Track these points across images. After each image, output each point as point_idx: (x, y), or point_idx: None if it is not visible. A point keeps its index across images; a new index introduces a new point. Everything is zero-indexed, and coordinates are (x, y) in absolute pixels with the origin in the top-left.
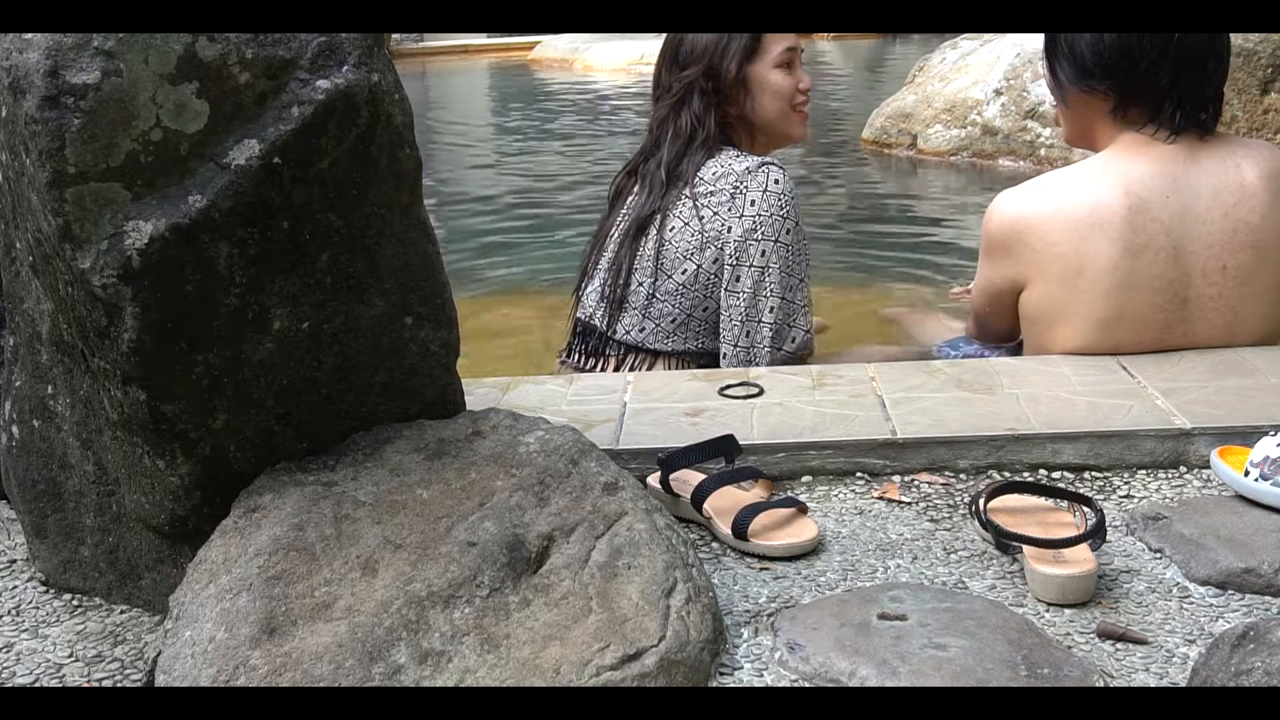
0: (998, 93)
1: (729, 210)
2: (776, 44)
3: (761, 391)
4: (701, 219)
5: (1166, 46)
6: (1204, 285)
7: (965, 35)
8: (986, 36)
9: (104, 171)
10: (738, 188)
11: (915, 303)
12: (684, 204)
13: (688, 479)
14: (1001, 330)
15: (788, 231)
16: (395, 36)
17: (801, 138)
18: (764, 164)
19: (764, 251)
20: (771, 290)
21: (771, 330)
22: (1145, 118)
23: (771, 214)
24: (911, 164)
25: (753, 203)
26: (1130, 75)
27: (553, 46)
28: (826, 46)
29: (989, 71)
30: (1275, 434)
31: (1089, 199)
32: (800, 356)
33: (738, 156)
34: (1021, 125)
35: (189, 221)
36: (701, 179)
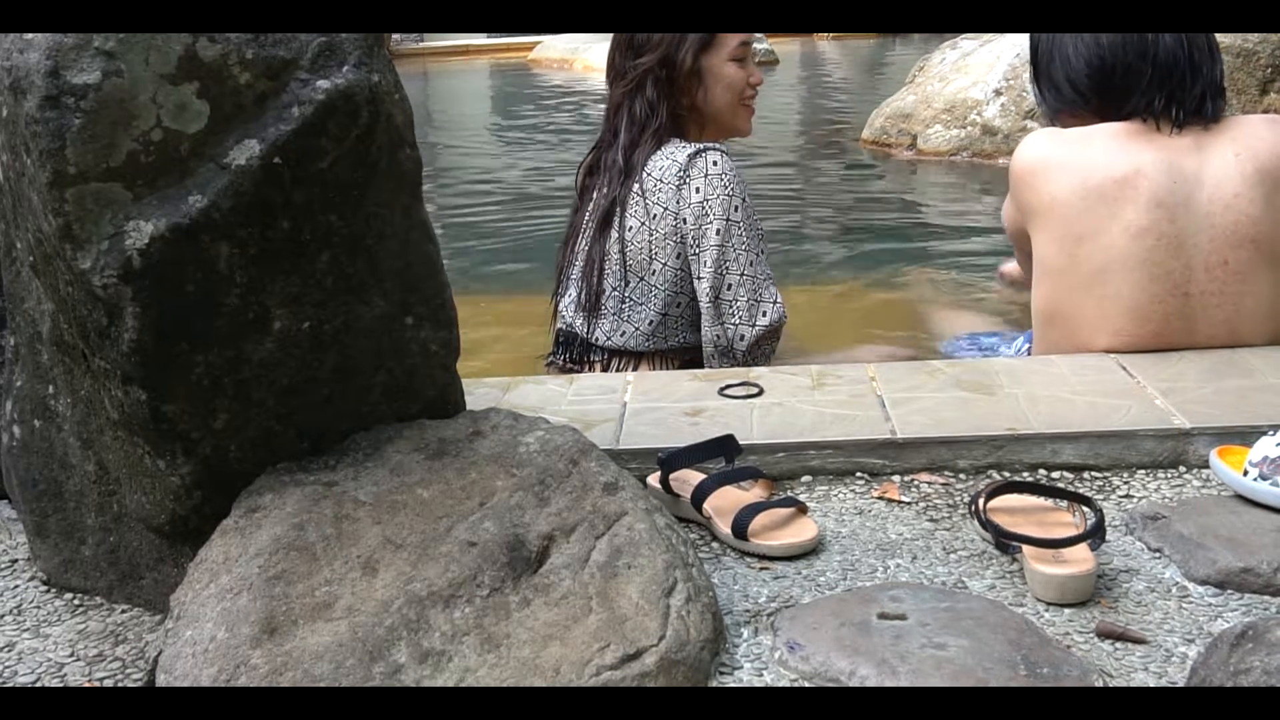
0: (997, 93)
1: (677, 202)
2: (731, 37)
3: (761, 391)
4: (653, 216)
5: (1141, 63)
6: (1206, 280)
7: (965, 35)
8: (986, 36)
9: (104, 171)
10: (682, 178)
11: (917, 300)
12: (635, 200)
13: (688, 479)
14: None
15: (735, 208)
16: (395, 36)
17: (748, 132)
18: (701, 150)
19: (718, 230)
20: (730, 267)
21: (746, 305)
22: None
23: (718, 194)
24: (911, 164)
25: (698, 189)
26: (1106, 97)
27: (553, 46)
28: (826, 46)
29: (989, 72)
30: (1274, 434)
31: (1101, 168)
32: (778, 329)
33: (682, 146)
34: (1021, 125)
35: (189, 221)
36: (649, 174)
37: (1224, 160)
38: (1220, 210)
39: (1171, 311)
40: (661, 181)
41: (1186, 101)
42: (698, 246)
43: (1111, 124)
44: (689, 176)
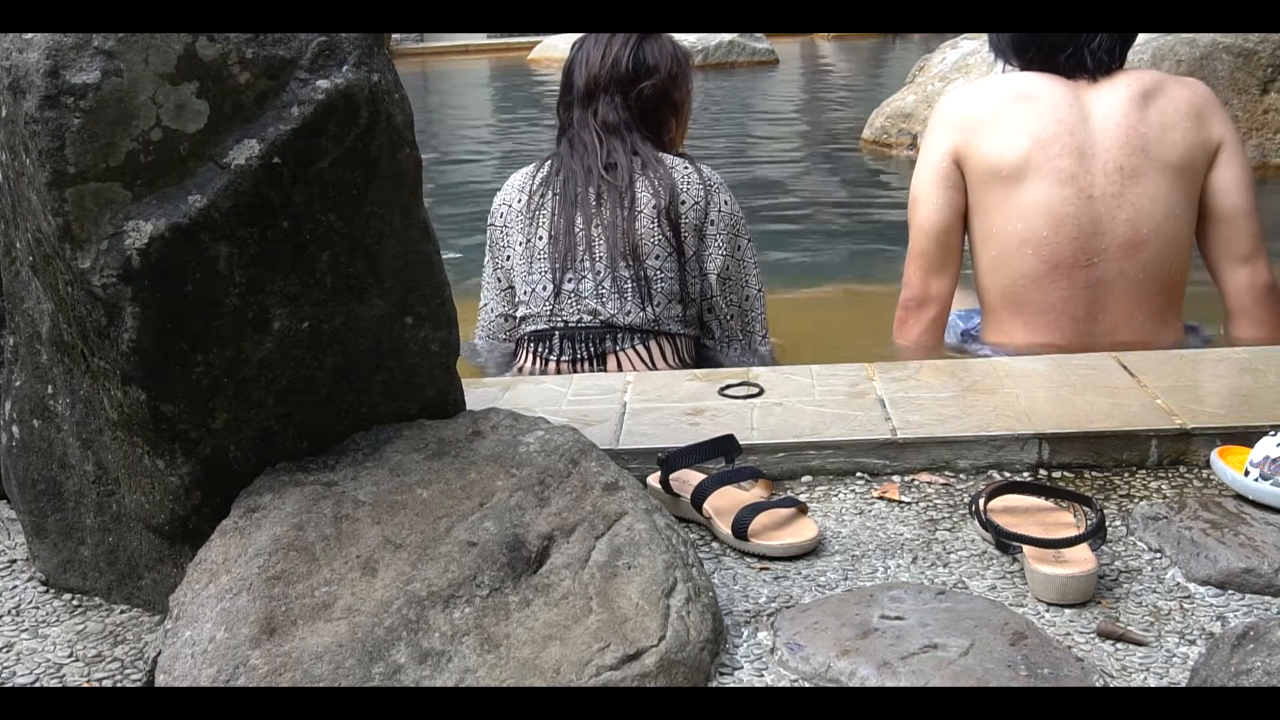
0: None
1: (707, 204)
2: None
3: (761, 391)
4: (681, 203)
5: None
6: (1106, 184)
7: (965, 35)
8: (986, 36)
9: (104, 171)
10: (707, 187)
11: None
12: (656, 190)
13: (688, 479)
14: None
15: (747, 240)
16: (395, 36)
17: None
18: (714, 177)
19: (742, 245)
20: (754, 284)
21: (763, 323)
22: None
23: (735, 219)
24: (912, 164)
25: (727, 201)
26: (1018, 56)
27: (553, 46)
28: (826, 46)
29: (989, 72)
30: (1275, 434)
31: (1010, 89)
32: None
33: (696, 165)
34: None
35: (189, 221)
36: (665, 180)
37: (1115, 89)
38: (1113, 125)
39: (1081, 214)
40: (686, 195)
41: (1086, 62)
42: (729, 254)
43: (1022, 73)
44: (714, 186)
